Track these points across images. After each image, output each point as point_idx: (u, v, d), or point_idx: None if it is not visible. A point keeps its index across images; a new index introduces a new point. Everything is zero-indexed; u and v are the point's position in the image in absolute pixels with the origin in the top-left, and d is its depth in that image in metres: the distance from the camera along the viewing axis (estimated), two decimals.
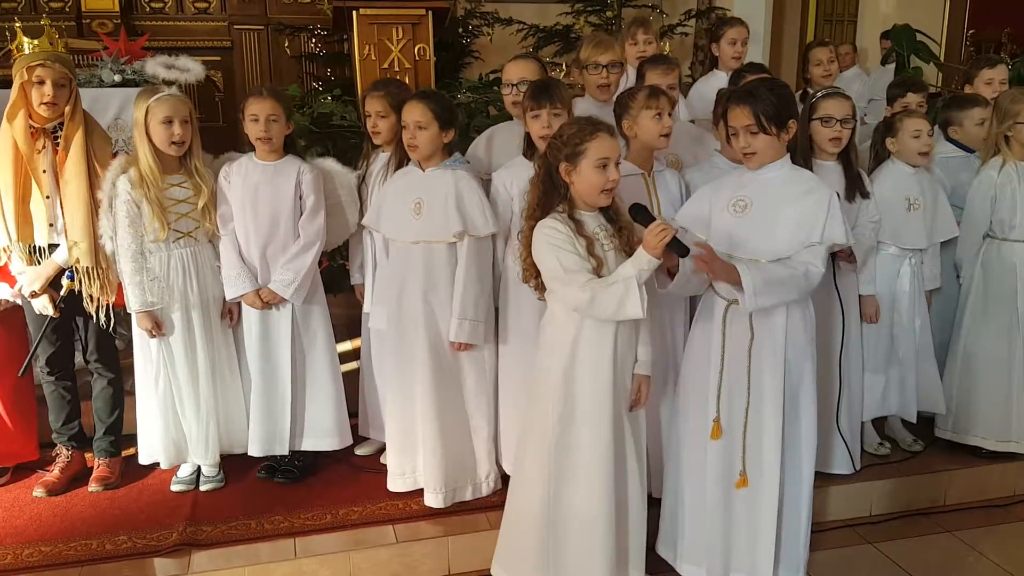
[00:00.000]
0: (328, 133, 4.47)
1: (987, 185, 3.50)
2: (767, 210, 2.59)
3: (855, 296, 3.32)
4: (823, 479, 3.33)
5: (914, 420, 3.59)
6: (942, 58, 6.94)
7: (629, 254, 2.55)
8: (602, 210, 2.58)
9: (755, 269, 2.51)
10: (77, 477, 3.43)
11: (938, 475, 3.50)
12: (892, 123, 3.44)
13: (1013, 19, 6.92)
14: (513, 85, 3.27)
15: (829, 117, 3.12)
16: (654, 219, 2.47)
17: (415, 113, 3.01)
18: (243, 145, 3.43)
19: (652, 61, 3.66)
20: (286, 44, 6.94)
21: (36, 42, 3.09)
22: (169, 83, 3.31)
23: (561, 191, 2.53)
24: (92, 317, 3.23)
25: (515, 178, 3.05)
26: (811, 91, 4.24)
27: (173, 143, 3.10)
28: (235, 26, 6.89)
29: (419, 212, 3.06)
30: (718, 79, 4.24)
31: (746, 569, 2.72)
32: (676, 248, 2.43)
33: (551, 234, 2.49)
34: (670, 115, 2.98)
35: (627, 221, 2.59)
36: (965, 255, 3.62)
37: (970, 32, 7.37)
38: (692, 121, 4.03)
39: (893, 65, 6.09)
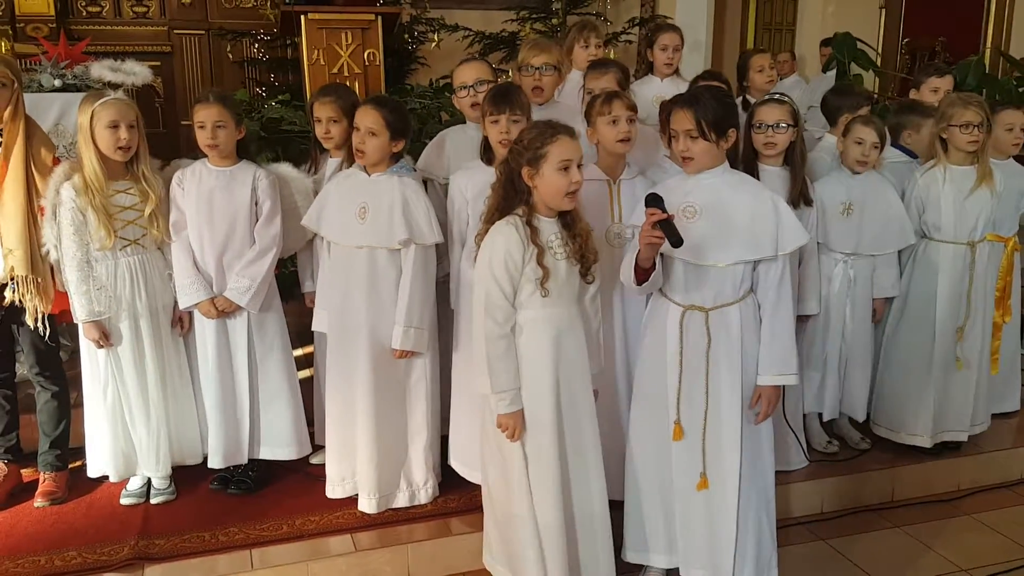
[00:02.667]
0: (278, 138, 4.41)
1: (913, 187, 3.60)
2: (716, 217, 2.62)
3: (794, 290, 3.36)
4: (775, 476, 3.40)
5: (825, 419, 3.68)
6: (879, 65, 7.14)
7: (580, 263, 2.57)
8: (560, 215, 2.58)
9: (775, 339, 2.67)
10: (14, 492, 3.32)
11: (885, 472, 3.59)
12: (847, 127, 3.50)
13: (946, 28, 7.16)
14: (469, 87, 3.27)
15: (760, 123, 3.19)
16: (662, 208, 2.47)
17: (368, 119, 2.99)
18: (185, 151, 3.36)
19: (591, 66, 3.69)
20: (228, 49, 6.84)
21: None
22: (115, 87, 3.23)
23: (522, 196, 2.53)
24: (31, 328, 3.14)
25: (470, 182, 3.05)
26: (749, 98, 4.35)
27: (119, 148, 3.03)
28: (175, 31, 6.77)
29: (363, 217, 3.04)
30: (652, 84, 4.30)
31: (709, 567, 2.75)
32: (670, 234, 2.44)
33: (498, 252, 2.48)
34: (631, 120, 2.99)
35: (582, 229, 2.59)
36: (903, 254, 3.70)
37: (905, 40, 7.60)
38: None
39: (834, 72, 6.24)
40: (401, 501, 3.19)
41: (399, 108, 3.13)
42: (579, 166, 2.50)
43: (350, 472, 3.18)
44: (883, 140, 3.47)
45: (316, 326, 3.35)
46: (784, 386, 3.20)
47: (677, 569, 2.85)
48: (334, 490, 3.21)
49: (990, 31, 6.77)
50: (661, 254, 2.61)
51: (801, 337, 3.52)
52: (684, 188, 2.69)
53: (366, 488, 3.12)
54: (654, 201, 2.51)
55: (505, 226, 2.52)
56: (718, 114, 2.59)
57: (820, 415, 3.70)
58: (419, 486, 3.21)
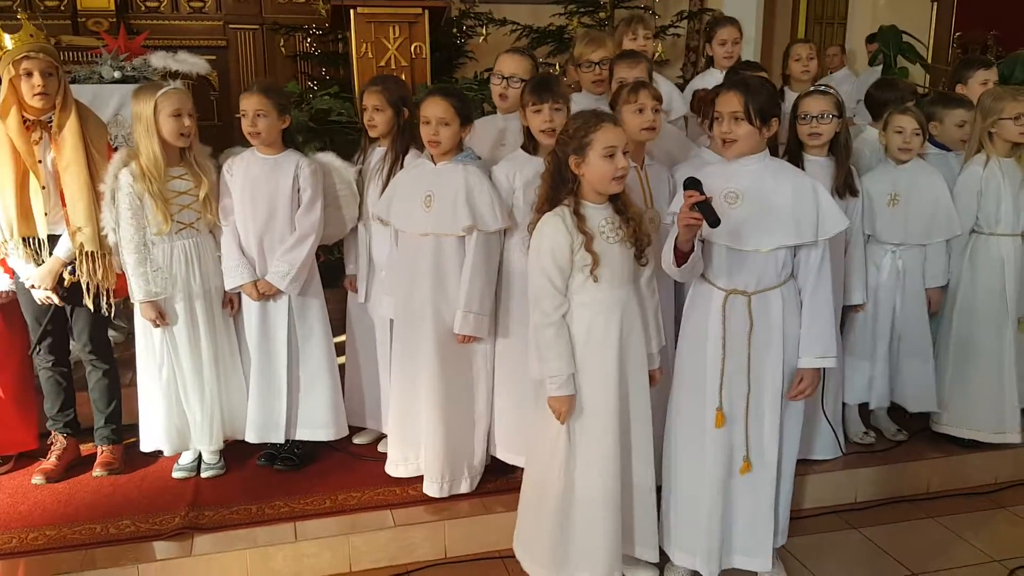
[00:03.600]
0: (326, 129, 4.54)
1: (973, 180, 3.57)
2: (758, 202, 2.66)
3: (838, 282, 3.37)
4: (809, 465, 3.44)
5: (872, 408, 3.69)
6: (929, 59, 7.05)
7: (635, 245, 2.64)
8: (611, 200, 2.65)
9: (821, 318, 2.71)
10: (73, 465, 3.49)
11: (922, 463, 3.59)
12: (887, 118, 3.52)
13: (998, 22, 7.02)
14: (504, 78, 3.34)
15: (805, 114, 3.22)
16: (701, 191, 2.52)
17: (439, 109, 3.05)
18: (239, 143, 3.49)
19: (622, 56, 3.70)
20: (281, 43, 7.00)
21: (16, 36, 3.12)
22: (174, 76, 3.38)
23: (570, 185, 2.61)
24: (85, 308, 3.28)
25: (518, 170, 3.11)
26: (786, 88, 4.35)
27: (182, 135, 3.17)
28: (230, 25, 6.96)
29: (429, 205, 3.11)
30: (713, 77, 4.31)
31: (747, 551, 2.81)
32: (708, 215, 2.49)
33: (546, 243, 2.57)
34: (656, 110, 3.04)
35: (635, 212, 2.66)
36: (953, 250, 3.69)
37: (957, 34, 7.47)
38: (686, 117, 4.12)
39: (880, 66, 6.19)
40: (464, 487, 3.25)
41: (463, 95, 3.22)
42: (625, 152, 2.56)
43: (413, 453, 3.27)
44: (923, 128, 3.48)
45: (383, 312, 3.43)
46: (824, 375, 3.26)
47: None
48: (396, 469, 3.31)
49: None
50: (702, 240, 2.66)
51: (848, 327, 3.54)
52: (726, 174, 2.73)
53: (433, 473, 3.19)
54: (692, 184, 2.55)
55: (552, 217, 2.60)
56: (765, 101, 2.64)
57: (858, 405, 3.70)
58: (478, 471, 3.29)
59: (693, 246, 2.62)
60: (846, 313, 3.54)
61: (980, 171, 3.57)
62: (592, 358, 2.64)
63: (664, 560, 2.94)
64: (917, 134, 3.47)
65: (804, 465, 3.43)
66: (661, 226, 3.01)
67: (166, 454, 3.45)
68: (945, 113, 3.78)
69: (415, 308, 3.17)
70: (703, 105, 3.45)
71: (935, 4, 7.67)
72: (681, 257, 2.65)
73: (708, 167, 2.88)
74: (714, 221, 2.49)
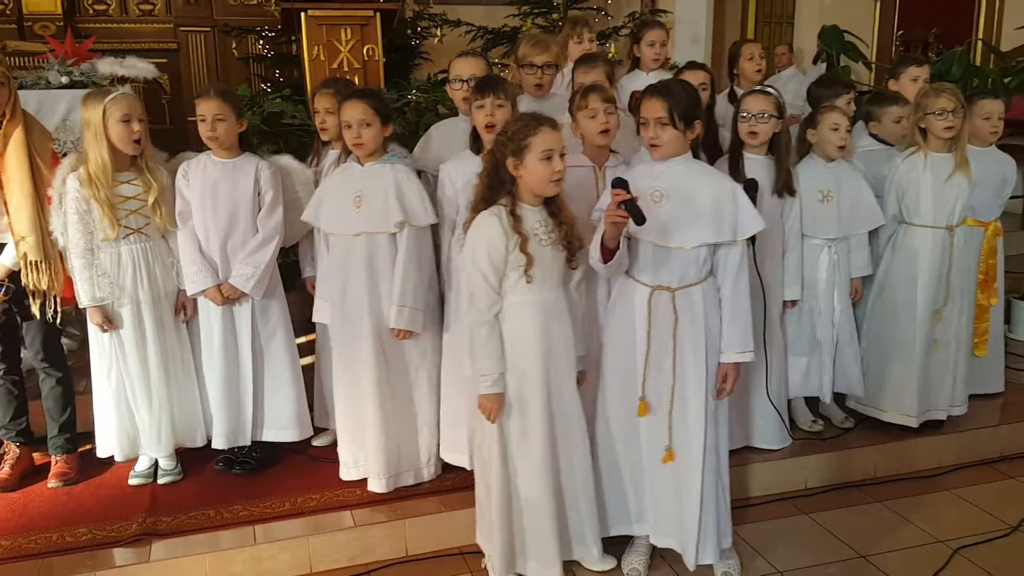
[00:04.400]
0: (279, 132, 4.53)
1: (893, 173, 3.70)
2: (682, 201, 2.73)
3: (777, 278, 3.47)
4: (759, 454, 3.52)
5: (826, 400, 3.78)
6: (873, 57, 7.22)
7: (567, 248, 2.70)
8: (545, 203, 2.71)
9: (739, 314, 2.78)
10: (27, 474, 3.45)
11: (868, 449, 3.69)
12: (814, 116, 3.62)
13: (939, 20, 7.22)
14: (463, 81, 3.37)
15: (746, 112, 3.30)
16: (627, 190, 2.58)
17: (357, 112, 3.07)
18: (192, 146, 3.49)
19: (580, 61, 3.76)
20: (233, 46, 6.96)
21: None
22: (122, 81, 3.35)
23: (507, 186, 2.66)
24: (35, 317, 3.26)
25: (460, 170, 3.16)
26: (737, 89, 4.44)
27: (133, 141, 3.16)
28: (181, 28, 6.91)
29: (359, 206, 3.13)
30: (639, 78, 4.37)
31: (676, 535, 2.88)
32: (634, 213, 2.55)
33: (481, 242, 2.62)
34: (610, 112, 3.08)
35: (568, 217, 2.72)
36: (880, 240, 3.80)
37: (899, 32, 7.67)
38: None
39: (824, 64, 6.33)
40: (408, 480, 3.29)
41: (379, 95, 3.26)
42: (561, 155, 2.62)
43: (363, 455, 3.28)
44: (851, 124, 3.59)
45: (317, 317, 3.47)
46: (768, 368, 3.35)
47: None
48: (348, 472, 3.32)
49: (981, 23, 6.84)
50: (628, 237, 2.73)
51: (787, 321, 3.63)
52: (652, 173, 2.80)
53: (376, 469, 3.22)
54: (620, 183, 2.62)
55: (488, 216, 2.65)
56: (687, 105, 2.71)
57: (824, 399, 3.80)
58: (424, 464, 3.32)
59: (619, 243, 2.69)
60: (783, 309, 3.62)
61: (899, 163, 3.68)
62: (522, 357, 2.70)
63: (619, 551, 3.01)
64: (849, 130, 3.58)
65: (754, 454, 3.54)
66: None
67: (117, 460, 3.42)
68: (881, 111, 3.89)
69: (351, 309, 3.19)
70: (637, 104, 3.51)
71: (878, 3, 7.86)
72: (608, 254, 2.72)
73: (636, 167, 2.95)
74: (640, 219, 2.56)
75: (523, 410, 2.73)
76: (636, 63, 4.48)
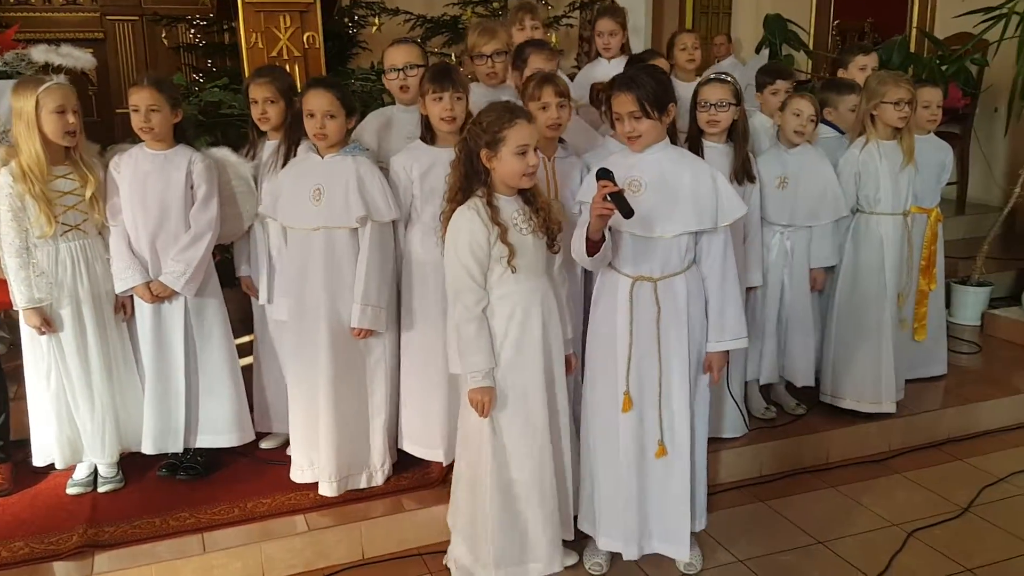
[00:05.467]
0: (217, 122, 4.37)
1: (851, 162, 3.73)
2: (661, 190, 2.70)
3: (742, 268, 3.46)
4: (716, 443, 3.52)
5: (763, 383, 3.82)
6: (811, 46, 7.31)
7: (546, 235, 2.66)
8: (520, 193, 2.66)
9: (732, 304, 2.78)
10: None
11: (821, 435, 3.73)
12: (784, 102, 3.63)
13: (874, 10, 7.35)
14: (399, 70, 3.29)
15: (704, 101, 3.28)
16: (613, 181, 2.54)
17: (324, 102, 2.98)
18: (121, 139, 3.34)
19: (535, 45, 3.66)
20: (163, 35, 6.73)
21: None
22: (57, 70, 3.17)
23: (481, 176, 2.60)
24: None
25: (415, 162, 3.08)
26: (675, 77, 4.44)
27: (67, 133, 3.01)
28: (107, 16, 6.64)
29: (319, 199, 3.04)
30: (601, 67, 4.36)
31: (665, 537, 2.86)
32: (621, 206, 2.51)
33: (463, 237, 2.57)
34: (561, 106, 3.04)
35: (543, 202, 2.68)
36: (839, 229, 3.83)
37: (836, 22, 7.79)
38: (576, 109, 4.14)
39: (767, 52, 6.39)
40: (361, 483, 3.21)
41: (343, 86, 3.17)
42: (535, 149, 2.57)
43: (317, 457, 3.19)
44: (818, 115, 3.60)
45: (276, 315, 3.35)
46: (729, 356, 3.34)
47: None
48: (302, 474, 3.21)
49: (915, 12, 6.99)
50: (610, 228, 2.68)
51: (744, 307, 3.64)
52: (628, 163, 2.75)
53: (326, 472, 3.13)
54: (605, 174, 2.57)
55: (467, 210, 2.59)
56: (657, 92, 2.66)
57: (758, 382, 3.83)
58: (377, 467, 3.24)
59: (604, 235, 2.65)
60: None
61: (857, 153, 3.72)
62: (516, 350, 2.65)
63: (581, 545, 2.98)
64: (812, 120, 3.58)
65: (713, 443, 3.51)
66: (568, 216, 3.01)
67: (58, 467, 3.26)
68: (839, 99, 3.92)
69: (308, 306, 3.10)
70: (604, 96, 3.47)
71: None
72: (592, 247, 2.67)
73: (612, 156, 2.90)
74: (627, 212, 2.52)
75: (523, 401, 2.67)
76: (598, 52, 4.45)
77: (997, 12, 4.90)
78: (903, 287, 3.80)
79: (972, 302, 5.08)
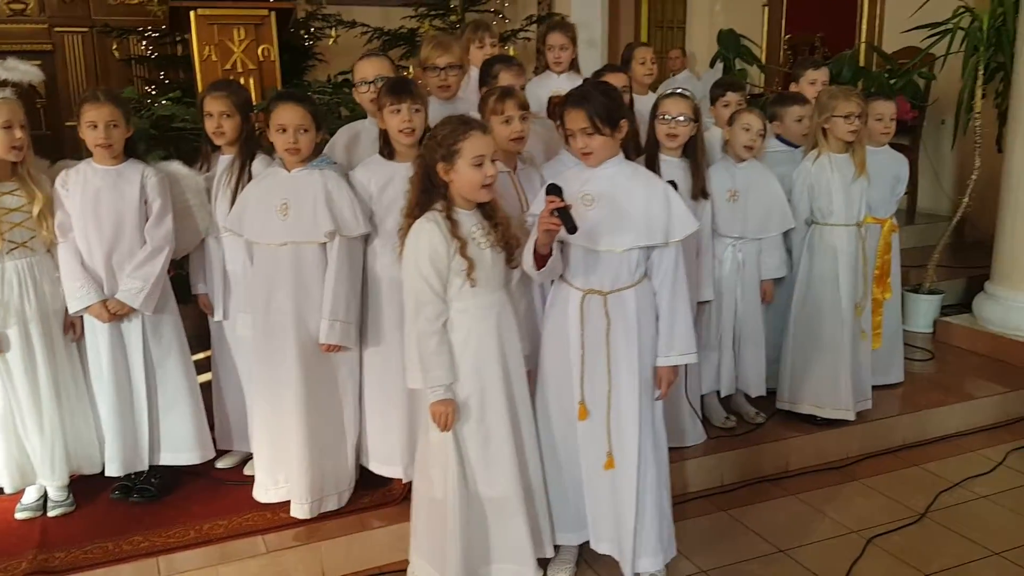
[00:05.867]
0: (169, 136, 4.31)
1: (804, 175, 3.79)
2: (612, 205, 2.71)
3: (691, 277, 3.46)
4: (677, 454, 3.52)
5: (723, 395, 3.85)
6: (763, 61, 7.43)
7: (505, 249, 2.65)
8: (479, 206, 2.64)
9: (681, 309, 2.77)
10: None
11: (780, 443, 3.76)
12: (732, 116, 3.67)
13: (824, 25, 7.51)
14: (370, 83, 3.27)
15: (665, 115, 3.31)
16: (561, 197, 2.56)
17: (296, 116, 2.94)
18: (70, 153, 3.26)
19: (504, 61, 3.69)
20: (114, 47, 6.65)
21: None
22: (2, 84, 3.09)
23: (440, 190, 2.59)
24: None
25: (373, 176, 3.06)
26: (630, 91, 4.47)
27: (14, 148, 2.93)
28: (56, 28, 6.54)
29: (286, 214, 2.99)
30: (550, 80, 4.37)
31: (614, 542, 2.85)
32: (566, 221, 2.52)
33: (423, 249, 2.54)
34: (523, 119, 3.04)
35: (502, 217, 2.67)
36: (793, 241, 3.90)
37: (787, 36, 7.94)
38: None
39: (721, 66, 6.48)
40: (332, 504, 3.14)
41: (312, 99, 3.14)
42: (492, 160, 2.56)
43: (283, 476, 3.12)
44: (766, 129, 3.66)
45: (240, 331, 3.29)
46: (686, 367, 3.36)
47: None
48: (267, 493, 3.14)
49: (864, 27, 7.14)
50: (561, 241, 2.69)
51: (697, 321, 3.67)
52: (582, 177, 2.76)
53: (299, 494, 3.06)
54: (554, 190, 2.59)
55: (426, 223, 2.57)
56: (609, 108, 2.67)
57: (718, 392, 3.86)
58: (345, 488, 3.19)
59: (551, 249, 2.65)
60: (695, 309, 3.65)
61: (810, 166, 3.78)
62: (476, 363, 2.63)
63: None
64: (761, 134, 3.64)
65: (674, 453, 3.52)
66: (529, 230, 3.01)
67: (7, 492, 3.16)
68: (784, 112, 4.00)
69: (275, 322, 3.05)
70: (559, 111, 3.49)
71: (767, 8, 8.11)
72: (540, 260, 2.67)
73: (567, 171, 2.91)
74: (572, 228, 2.54)
75: (483, 415, 2.65)
76: (547, 65, 4.47)
77: (943, 27, 5.02)
78: (859, 298, 3.85)
79: (924, 310, 5.18)
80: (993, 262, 4.95)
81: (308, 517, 3.07)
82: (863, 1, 7.16)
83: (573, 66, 4.42)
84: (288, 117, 2.94)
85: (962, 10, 4.94)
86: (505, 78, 3.50)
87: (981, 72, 4.97)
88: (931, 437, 4.05)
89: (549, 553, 2.88)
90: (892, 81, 5.47)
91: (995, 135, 5.33)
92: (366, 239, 3.12)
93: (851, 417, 3.83)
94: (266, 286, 3.06)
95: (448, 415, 2.60)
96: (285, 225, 3.00)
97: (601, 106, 2.66)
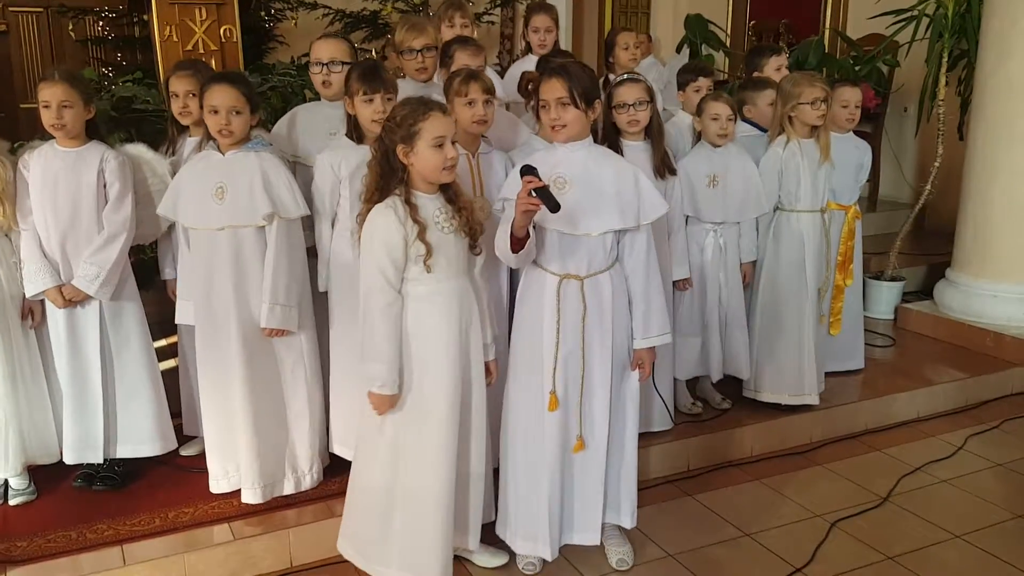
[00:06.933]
0: (131, 118, 4.21)
1: (774, 161, 3.80)
2: (586, 187, 2.70)
3: (666, 263, 3.48)
4: (645, 439, 3.53)
5: (714, 380, 3.90)
6: (728, 46, 7.45)
7: (469, 235, 2.61)
8: (442, 190, 2.61)
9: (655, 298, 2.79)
10: None
11: (745, 429, 3.80)
12: (700, 106, 3.68)
13: (789, 10, 7.55)
14: (323, 65, 3.22)
15: (623, 103, 3.28)
16: (538, 177, 2.53)
17: (228, 97, 2.88)
18: (26, 135, 3.19)
19: (460, 42, 3.65)
20: (70, 27, 6.47)
21: None
22: None
23: (399, 174, 2.55)
24: None
25: (343, 159, 3.02)
26: (612, 76, 4.47)
27: None
28: (10, 8, 6.35)
29: (222, 197, 2.94)
30: (531, 63, 4.35)
31: (583, 527, 2.87)
32: (548, 201, 2.50)
33: (378, 236, 2.51)
34: (487, 103, 3.02)
35: (466, 202, 2.63)
36: (760, 226, 3.91)
37: (752, 22, 7.97)
38: (507, 105, 4.13)
39: (687, 51, 6.48)
40: (287, 488, 3.12)
41: (248, 80, 3.09)
42: (453, 142, 2.53)
43: (234, 465, 3.09)
44: (736, 113, 3.67)
45: (180, 319, 3.24)
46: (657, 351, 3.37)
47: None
48: (219, 484, 3.11)
49: (828, 13, 7.20)
50: (535, 225, 2.67)
51: (677, 304, 3.68)
52: (553, 160, 2.75)
53: (249, 479, 3.04)
54: (529, 171, 2.56)
55: (384, 209, 2.53)
56: (587, 84, 2.68)
57: (698, 379, 3.92)
58: (304, 472, 3.16)
59: (528, 233, 2.63)
60: (675, 289, 3.67)
61: (780, 152, 3.79)
62: (429, 352, 2.60)
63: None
64: (731, 119, 3.65)
65: (642, 438, 3.52)
66: (492, 214, 2.99)
67: None
68: (757, 96, 4.01)
69: (217, 308, 3.01)
70: (533, 87, 3.46)
71: None
72: (517, 243, 2.65)
73: (536, 154, 2.90)
74: (554, 206, 2.51)
75: (430, 407, 2.61)
76: (529, 48, 4.45)
77: (908, 14, 5.08)
78: (822, 282, 3.89)
79: (886, 296, 5.26)
80: (955, 249, 5.03)
81: (260, 502, 3.05)
82: None
83: (554, 50, 4.40)
84: (220, 99, 2.88)
85: None
86: (461, 58, 3.48)
87: (945, 60, 5.03)
88: (892, 422, 4.12)
89: (472, 546, 2.87)
90: (857, 68, 5.52)
91: (957, 123, 5.41)
92: (332, 223, 3.09)
93: (815, 401, 3.88)
94: (205, 272, 3.01)
95: (383, 406, 2.58)
96: (222, 209, 2.95)
97: (579, 80, 2.65)
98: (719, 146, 3.68)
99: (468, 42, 3.64)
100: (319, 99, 3.45)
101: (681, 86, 4.10)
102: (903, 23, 5.11)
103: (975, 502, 3.42)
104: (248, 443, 3.02)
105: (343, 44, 3.34)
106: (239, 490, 3.09)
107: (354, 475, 2.79)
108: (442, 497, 2.64)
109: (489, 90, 3.04)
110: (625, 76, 3.37)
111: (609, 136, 3.34)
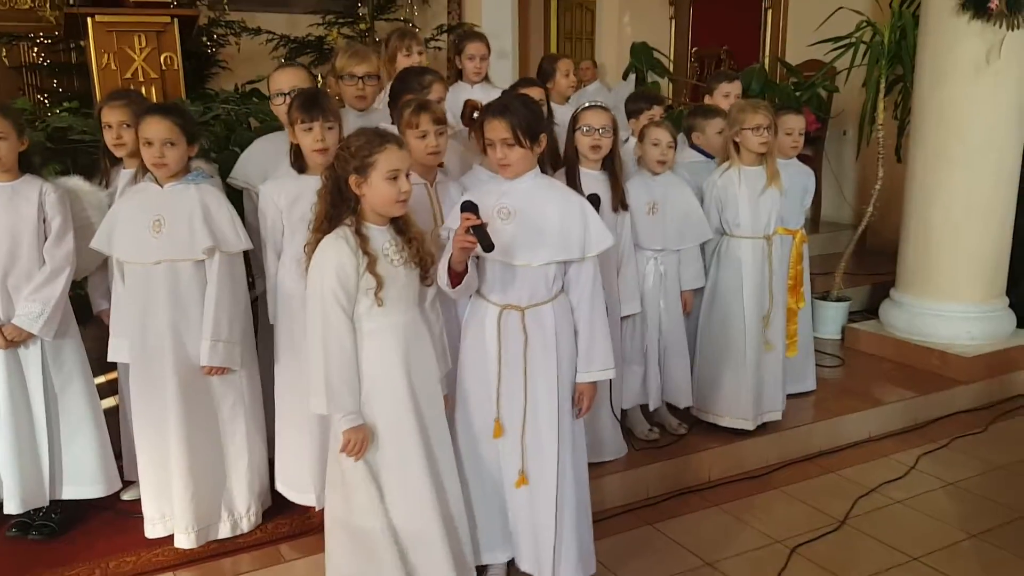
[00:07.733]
0: (67, 149, 4.07)
1: (711, 188, 3.85)
2: (529, 219, 2.68)
3: (612, 291, 3.45)
4: (600, 468, 3.51)
5: (652, 408, 3.87)
6: (671, 72, 7.56)
7: (419, 265, 2.56)
8: (392, 222, 2.55)
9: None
10: None
11: (702, 454, 3.78)
12: (642, 131, 3.69)
13: (729, 38, 7.69)
14: (286, 94, 3.16)
15: (588, 127, 3.28)
16: (477, 214, 2.51)
17: (161, 130, 2.81)
18: None
19: (434, 73, 3.55)
20: (3, 54, 6.31)
21: None
22: None
23: (350, 204, 2.49)
24: None
25: (282, 191, 2.95)
26: (551, 102, 4.47)
27: None
28: None
29: (159, 230, 2.85)
30: (463, 90, 4.33)
31: (534, 560, 2.81)
32: (482, 239, 2.48)
33: (330, 266, 2.44)
34: (440, 134, 2.98)
35: (416, 233, 2.58)
36: (705, 253, 3.94)
37: (694, 49, 8.10)
38: None
39: (633, 78, 6.55)
40: (223, 532, 3.02)
41: (186, 111, 3.01)
42: (407, 175, 2.48)
43: (170, 508, 2.97)
44: (675, 140, 3.68)
45: (114, 356, 3.11)
46: (611, 380, 3.34)
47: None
48: (154, 528, 2.99)
49: (767, 40, 7.35)
50: (477, 257, 2.65)
51: (622, 334, 3.66)
52: (499, 191, 2.73)
53: (183, 522, 2.93)
54: (469, 207, 2.54)
55: (335, 239, 2.47)
56: (530, 121, 2.65)
57: (642, 406, 3.86)
58: (242, 514, 3.05)
59: (467, 267, 2.61)
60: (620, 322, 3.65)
61: (716, 179, 3.84)
62: (385, 387, 2.52)
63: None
64: (671, 146, 3.66)
65: (597, 468, 3.51)
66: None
67: None
68: (705, 123, 4.04)
69: (152, 346, 2.90)
70: (478, 121, 3.43)
71: (673, 21, 8.27)
72: (456, 277, 2.63)
73: (483, 185, 2.88)
74: (488, 246, 2.50)
75: (396, 439, 2.53)
76: (460, 75, 4.42)
77: (846, 41, 5.19)
78: (766, 309, 3.90)
79: (833, 317, 5.33)
80: (898, 269, 5.12)
81: (193, 547, 2.94)
82: (767, 15, 7.37)
83: (485, 78, 4.40)
84: (153, 131, 2.81)
85: (864, 24, 5.12)
86: (437, 91, 3.43)
87: (883, 85, 5.15)
88: (845, 443, 4.14)
89: None
90: (798, 94, 5.62)
91: (895, 145, 5.54)
92: (270, 252, 3.01)
93: (750, 427, 3.87)
94: (140, 308, 2.92)
95: (360, 442, 2.49)
96: (159, 242, 2.86)
97: (523, 118, 2.63)
98: (658, 173, 3.68)
99: (440, 75, 3.59)
100: (268, 129, 3.39)
101: (634, 114, 4.10)
102: (841, 50, 5.22)
103: (930, 523, 3.45)
104: (183, 485, 2.91)
105: (302, 72, 3.30)
106: (171, 536, 2.98)
107: (336, 523, 2.64)
108: (433, 533, 2.57)
109: (440, 120, 3.00)
110: (593, 103, 3.35)
111: (569, 159, 3.32)
